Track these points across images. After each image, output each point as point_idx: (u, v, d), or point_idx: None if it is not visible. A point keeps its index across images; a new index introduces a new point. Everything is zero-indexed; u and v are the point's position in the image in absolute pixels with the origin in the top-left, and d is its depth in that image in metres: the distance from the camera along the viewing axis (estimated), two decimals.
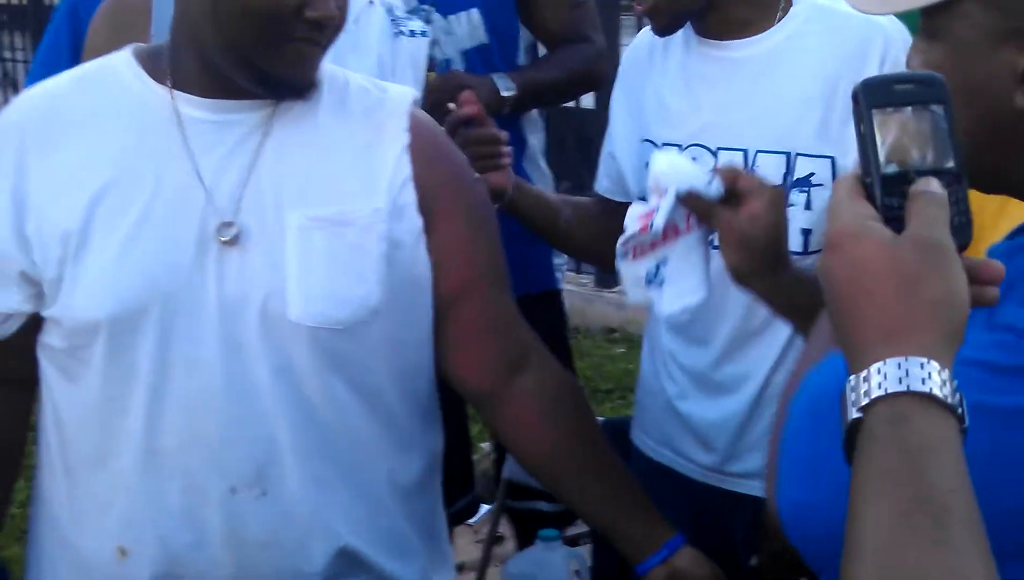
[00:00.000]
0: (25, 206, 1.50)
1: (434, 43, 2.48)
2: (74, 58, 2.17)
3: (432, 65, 2.46)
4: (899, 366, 0.84)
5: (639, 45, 2.05)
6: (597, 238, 1.91)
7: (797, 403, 1.10)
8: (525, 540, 2.85)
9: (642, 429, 2.08)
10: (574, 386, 1.74)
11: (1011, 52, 1.07)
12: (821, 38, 1.82)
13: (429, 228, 1.55)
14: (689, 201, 1.45)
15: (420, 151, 1.56)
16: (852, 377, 0.87)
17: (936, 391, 0.83)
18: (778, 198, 1.43)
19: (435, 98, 2.36)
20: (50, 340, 1.53)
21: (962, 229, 0.90)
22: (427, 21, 2.52)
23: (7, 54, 7.85)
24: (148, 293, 1.47)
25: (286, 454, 1.50)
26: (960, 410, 0.85)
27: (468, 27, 2.61)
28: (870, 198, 0.91)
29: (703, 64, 1.90)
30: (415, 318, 1.58)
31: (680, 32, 1.92)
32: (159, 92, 1.52)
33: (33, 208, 1.49)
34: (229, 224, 1.48)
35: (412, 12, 2.46)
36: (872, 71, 1.70)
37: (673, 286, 1.51)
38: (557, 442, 1.65)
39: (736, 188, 1.43)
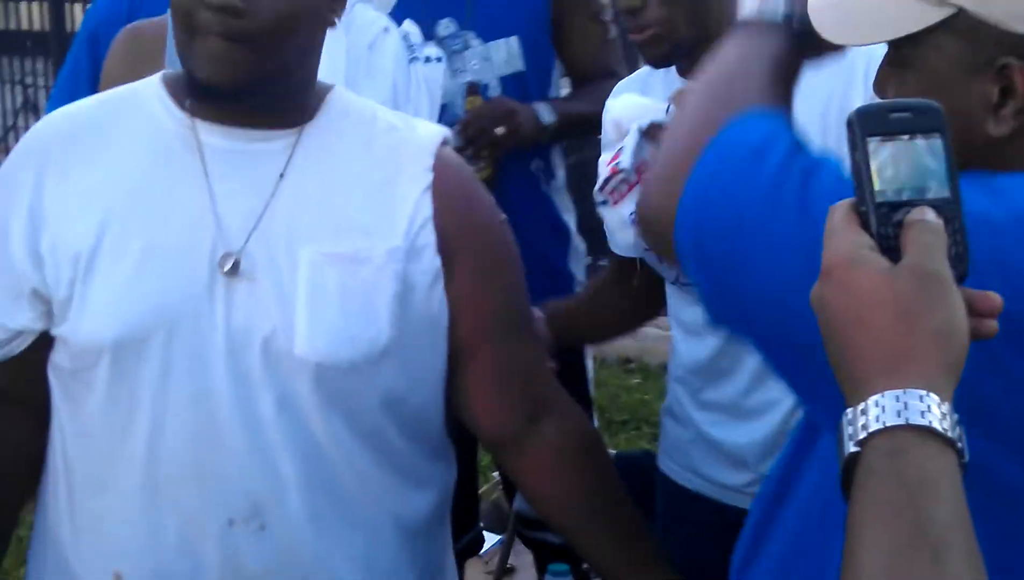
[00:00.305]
0: (40, 225, 1.49)
1: (468, 69, 2.52)
2: (94, 84, 2.17)
3: (476, 89, 2.49)
4: (897, 399, 0.83)
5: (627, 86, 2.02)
6: (624, 303, 1.97)
7: None
8: (542, 569, 2.83)
9: (669, 456, 2.08)
10: (593, 436, 1.71)
11: (984, 83, 1.08)
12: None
13: (448, 272, 1.52)
14: (654, 133, 1.47)
15: (443, 192, 1.52)
16: (849, 410, 0.85)
17: (935, 424, 0.82)
18: None
19: (483, 122, 2.38)
20: (58, 360, 1.53)
21: (959, 259, 0.89)
22: (466, 46, 2.55)
23: (28, 80, 7.90)
24: (153, 319, 1.46)
25: (287, 489, 1.48)
26: (960, 444, 0.83)
27: (506, 54, 2.61)
28: (865, 226, 0.90)
29: None
30: (426, 362, 1.55)
31: (660, 74, 1.89)
32: (182, 119, 1.51)
33: (48, 227, 1.49)
34: (230, 254, 1.46)
35: (452, 37, 2.49)
36: (858, 89, 1.69)
37: None
38: (572, 494, 1.62)
39: None
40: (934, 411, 0.82)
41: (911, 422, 0.82)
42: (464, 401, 1.59)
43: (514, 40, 2.61)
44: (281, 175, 1.49)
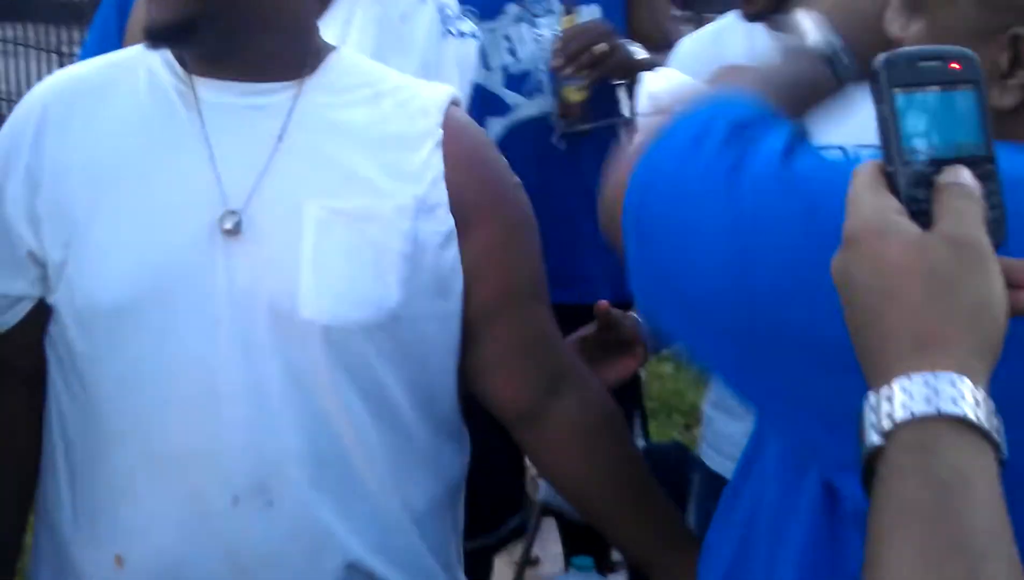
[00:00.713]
0: (38, 184, 1.44)
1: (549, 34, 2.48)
2: (122, 44, 2.13)
3: (571, 9, 2.45)
4: (927, 383, 0.74)
5: (700, 40, 2.03)
6: None
7: None
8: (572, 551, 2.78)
9: (717, 450, 2.05)
10: (614, 410, 1.62)
11: (994, 50, 1.01)
12: None
13: (461, 234, 1.45)
14: None
15: (454, 150, 1.46)
16: (872, 395, 0.77)
17: (969, 414, 0.73)
18: None
19: (583, 39, 2.35)
20: (55, 331, 1.47)
21: (996, 225, 0.80)
22: (548, 11, 2.52)
23: (65, 48, 7.88)
24: (151, 282, 1.39)
25: (294, 463, 1.41)
26: (997, 437, 0.74)
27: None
28: (892, 190, 0.81)
29: None
30: (439, 328, 1.48)
31: (737, 29, 1.88)
32: (180, 75, 1.46)
33: (45, 186, 1.44)
34: (232, 212, 1.39)
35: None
36: None
37: None
38: (594, 469, 1.55)
39: None
40: (968, 398, 0.73)
41: (942, 411, 0.73)
42: (480, 373, 1.52)
43: (595, 8, 2.58)
44: (281, 130, 1.42)
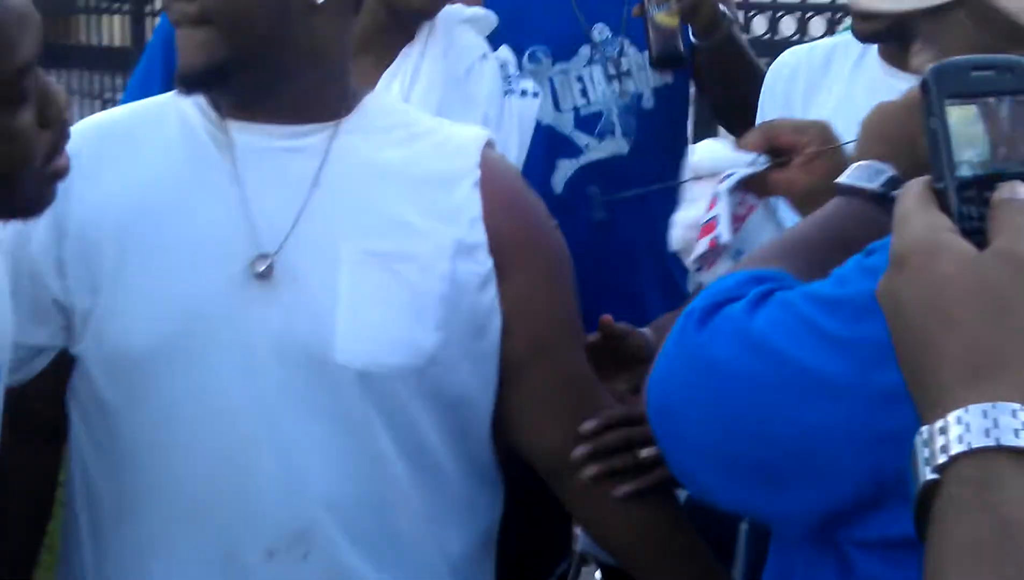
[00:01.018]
0: (66, 231, 1.42)
1: (627, 75, 2.46)
2: (167, 87, 2.12)
3: None
4: (985, 414, 0.69)
5: (811, 56, 2.04)
6: None
7: None
8: None
9: None
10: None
11: None
12: None
13: (500, 276, 1.42)
14: (744, 185, 1.45)
15: (492, 190, 1.44)
16: (925, 428, 0.72)
17: None
18: (825, 135, 1.44)
19: None
20: (79, 383, 1.43)
21: None
22: (622, 53, 2.49)
23: (108, 95, 7.94)
24: (181, 327, 1.37)
25: (330, 513, 1.38)
26: None
27: None
28: (944, 208, 0.77)
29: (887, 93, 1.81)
30: (476, 371, 1.45)
31: (852, 58, 1.87)
32: (214, 119, 1.44)
33: (72, 233, 1.42)
34: (264, 256, 1.37)
35: (606, 42, 2.44)
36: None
37: None
38: (633, 522, 1.50)
39: (779, 147, 1.44)
40: None
41: (1003, 443, 0.68)
42: (514, 421, 1.49)
43: None
44: (317, 172, 1.40)
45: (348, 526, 1.39)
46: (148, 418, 1.39)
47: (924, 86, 0.80)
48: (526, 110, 2.09)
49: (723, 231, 1.48)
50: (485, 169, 1.46)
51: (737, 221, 1.51)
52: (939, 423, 0.71)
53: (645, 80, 2.53)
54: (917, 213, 0.77)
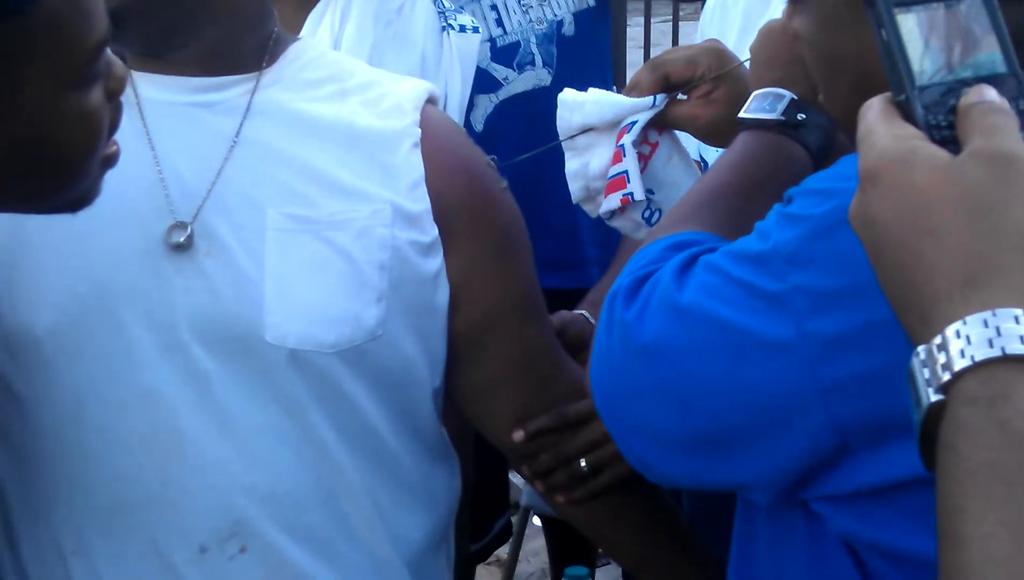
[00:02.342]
0: None
1: (544, 4, 2.39)
2: None
3: None
4: (985, 323, 0.64)
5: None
6: None
7: None
8: (559, 572, 2.69)
9: None
10: None
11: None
12: None
13: (446, 244, 1.31)
14: (645, 137, 1.46)
15: (435, 151, 1.32)
16: (922, 348, 0.66)
17: None
18: (719, 60, 1.44)
19: None
20: None
21: None
22: None
23: None
24: (92, 303, 1.23)
25: (266, 505, 1.27)
26: None
27: None
28: (908, 120, 0.72)
29: None
30: (422, 348, 1.33)
31: None
32: None
33: None
34: (183, 225, 1.24)
35: None
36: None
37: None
38: (609, 499, 1.42)
39: (673, 83, 1.45)
40: None
41: (1008, 352, 0.63)
42: (471, 399, 1.39)
43: None
44: (237, 129, 1.27)
45: (287, 519, 1.28)
46: (57, 407, 1.26)
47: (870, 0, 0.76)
48: (466, 46, 1.97)
49: (635, 189, 1.45)
50: (426, 128, 1.33)
51: (642, 160, 1.48)
52: (936, 341, 0.65)
53: (564, 5, 2.43)
54: (881, 127, 0.73)
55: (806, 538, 1.07)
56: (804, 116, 1.22)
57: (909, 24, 0.75)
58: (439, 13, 1.95)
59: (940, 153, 0.70)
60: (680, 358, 1.02)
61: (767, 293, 0.97)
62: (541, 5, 2.40)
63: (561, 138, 1.53)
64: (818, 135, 1.22)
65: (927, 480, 0.90)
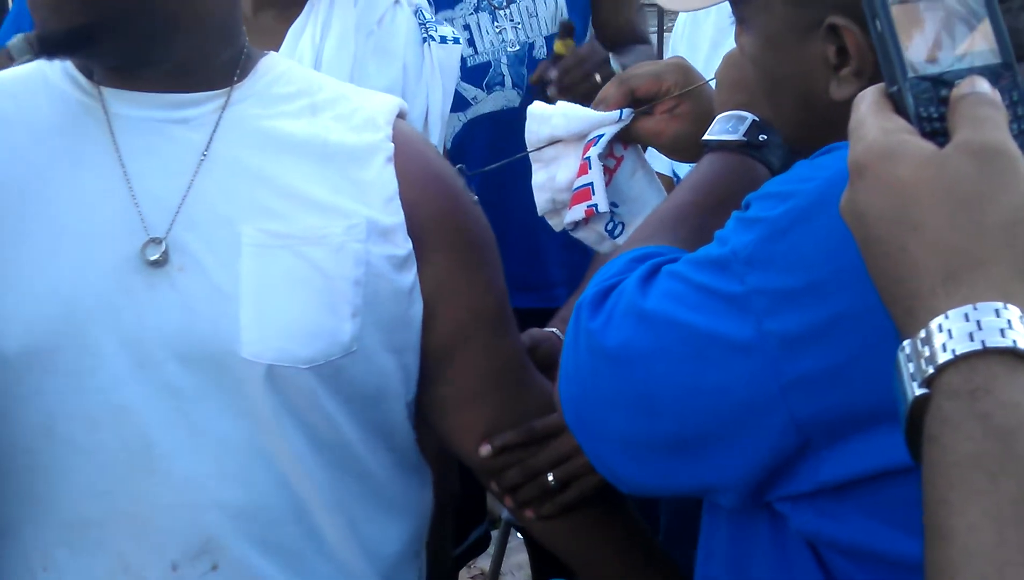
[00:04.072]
0: None
1: (513, 25, 2.38)
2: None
3: (570, 31, 2.31)
4: (967, 317, 0.65)
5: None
6: None
7: None
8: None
9: None
10: None
11: (818, 43, 1.01)
12: None
13: (419, 258, 1.30)
14: (611, 149, 1.48)
15: (408, 165, 1.32)
16: (907, 342, 0.67)
17: (1021, 344, 0.63)
18: (685, 77, 1.45)
19: (587, 67, 2.23)
20: None
21: (1023, 138, 0.70)
22: (511, 0, 2.40)
23: None
24: (64, 323, 1.22)
25: (238, 521, 1.25)
26: None
27: (554, 11, 2.46)
28: (900, 112, 0.72)
29: None
30: (397, 362, 1.32)
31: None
32: (87, 89, 1.29)
33: None
34: (157, 241, 1.23)
35: None
36: None
37: (638, 218, 1.43)
38: (578, 515, 1.41)
39: (639, 98, 1.46)
40: (1017, 327, 0.63)
41: (989, 345, 0.64)
42: (440, 415, 1.38)
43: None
44: (207, 144, 1.26)
45: (259, 534, 1.27)
46: (28, 423, 1.24)
47: None
48: (447, 57, 1.96)
49: (599, 201, 1.46)
50: (399, 142, 1.32)
51: (607, 173, 1.49)
52: (920, 334, 0.67)
53: (537, 28, 2.44)
54: (871, 119, 0.73)
55: (769, 538, 1.08)
56: (765, 136, 1.24)
57: (903, 15, 0.75)
58: (420, 24, 1.94)
59: (926, 146, 0.71)
60: (645, 363, 1.03)
61: (727, 295, 0.98)
62: (514, 27, 2.41)
63: (529, 150, 1.52)
64: (779, 154, 1.25)
65: (886, 474, 0.92)
